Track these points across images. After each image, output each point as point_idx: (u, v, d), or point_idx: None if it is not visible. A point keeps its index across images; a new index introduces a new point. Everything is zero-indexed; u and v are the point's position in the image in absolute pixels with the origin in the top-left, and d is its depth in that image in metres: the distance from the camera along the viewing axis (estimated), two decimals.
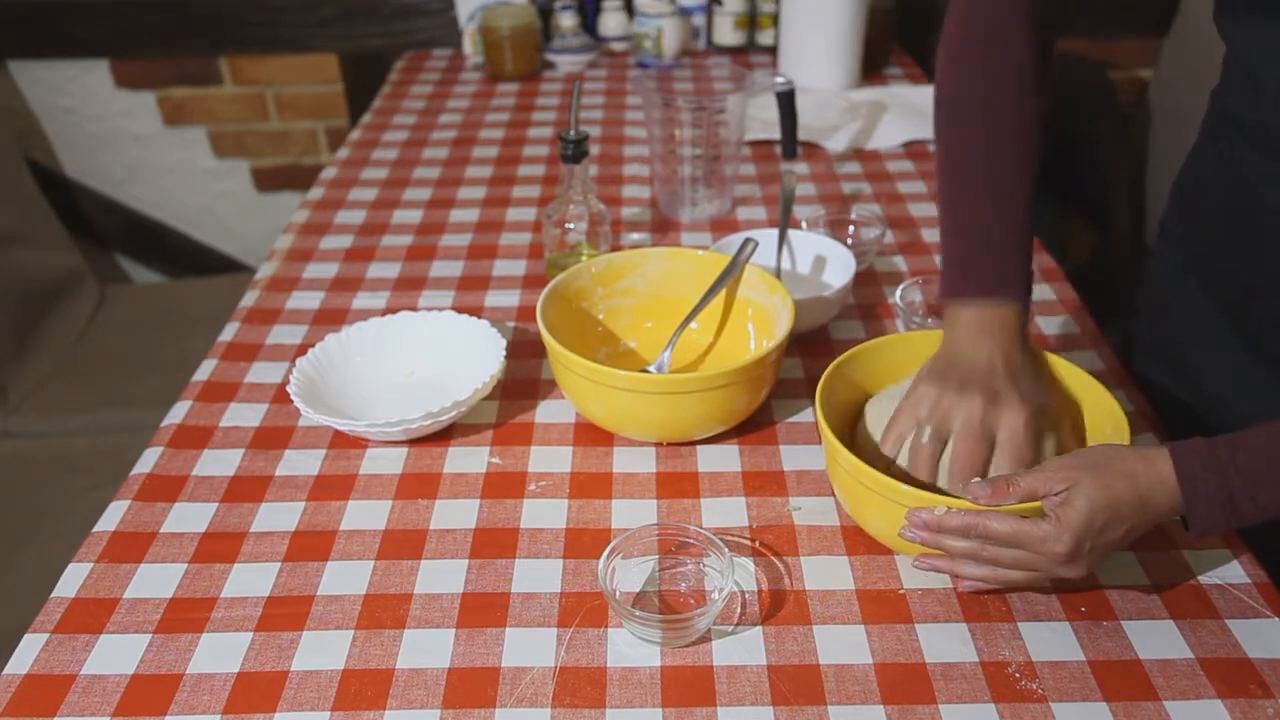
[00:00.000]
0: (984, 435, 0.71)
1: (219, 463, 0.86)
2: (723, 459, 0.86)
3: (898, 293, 0.99)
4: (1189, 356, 0.91)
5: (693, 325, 0.94)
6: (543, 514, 0.80)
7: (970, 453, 0.71)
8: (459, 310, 0.98)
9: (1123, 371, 0.96)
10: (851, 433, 0.81)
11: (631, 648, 0.69)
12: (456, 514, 0.80)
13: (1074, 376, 0.80)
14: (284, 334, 1.04)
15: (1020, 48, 0.79)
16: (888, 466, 0.74)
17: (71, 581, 0.74)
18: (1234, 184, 0.82)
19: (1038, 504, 0.65)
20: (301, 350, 1.00)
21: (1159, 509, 0.64)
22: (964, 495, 0.67)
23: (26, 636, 0.70)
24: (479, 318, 0.96)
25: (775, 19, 1.80)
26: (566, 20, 1.78)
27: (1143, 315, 0.98)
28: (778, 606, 0.72)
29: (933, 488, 0.72)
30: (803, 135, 1.43)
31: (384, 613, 0.72)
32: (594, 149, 1.46)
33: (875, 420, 0.78)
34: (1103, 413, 0.77)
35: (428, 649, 0.69)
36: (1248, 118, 0.80)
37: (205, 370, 0.98)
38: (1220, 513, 0.63)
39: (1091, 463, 0.65)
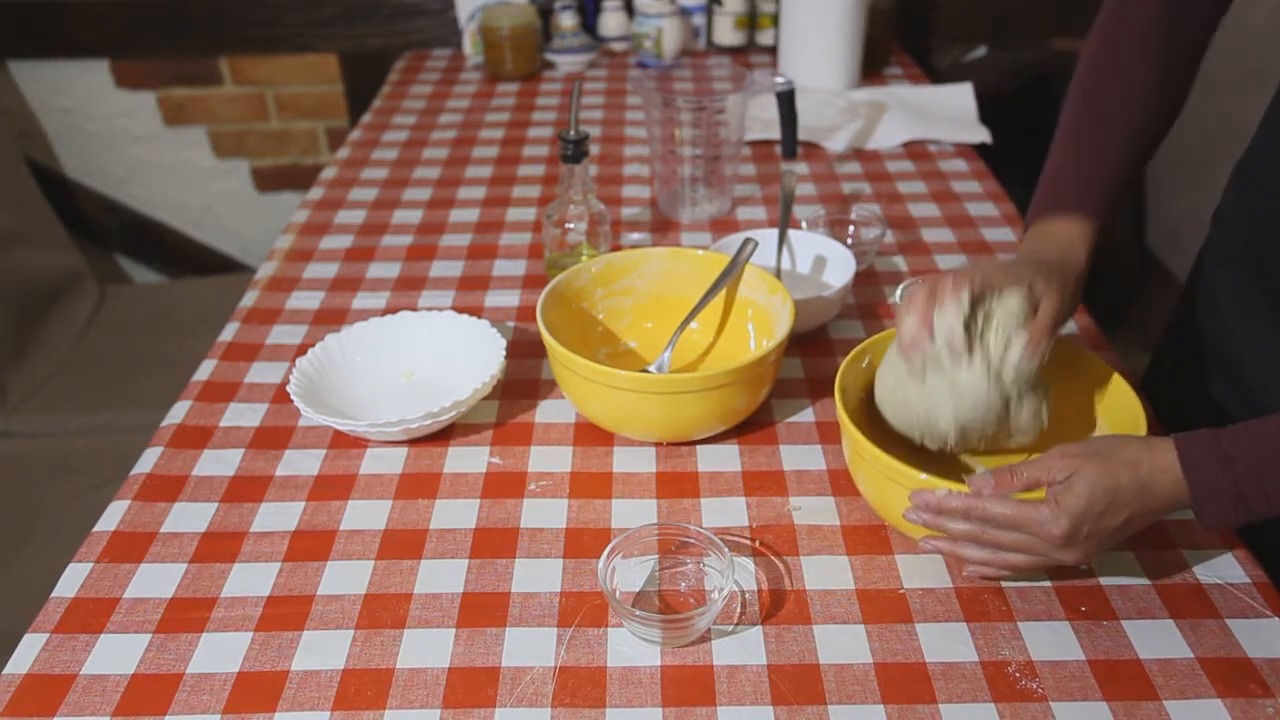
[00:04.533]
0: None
1: (219, 463, 0.86)
2: (723, 459, 0.86)
3: (898, 293, 0.99)
4: (1232, 344, 0.89)
5: (693, 325, 0.94)
6: (543, 514, 0.80)
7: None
8: (459, 310, 0.98)
9: (1126, 373, 0.95)
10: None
11: (631, 647, 0.69)
12: (456, 514, 0.80)
13: (1094, 369, 0.80)
14: (284, 334, 1.04)
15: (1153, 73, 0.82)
16: (903, 454, 0.74)
17: (71, 581, 0.74)
18: None
19: (1041, 492, 0.66)
20: (301, 350, 1.00)
21: (1161, 497, 0.64)
22: (968, 484, 0.68)
23: (26, 636, 0.70)
24: (479, 318, 0.96)
25: (775, 19, 1.80)
26: (566, 20, 1.78)
27: (1189, 301, 0.97)
28: (778, 606, 0.72)
29: (941, 473, 0.73)
30: (803, 135, 1.43)
31: (384, 613, 0.72)
32: (594, 149, 1.46)
33: (883, 397, 0.79)
34: (1120, 407, 0.77)
35: (428, 649, 0.69)
36: None
37: (205, 370, 0.98)
38: (1228, 501, 0.63)
39: (1094, 451, 0.65)
